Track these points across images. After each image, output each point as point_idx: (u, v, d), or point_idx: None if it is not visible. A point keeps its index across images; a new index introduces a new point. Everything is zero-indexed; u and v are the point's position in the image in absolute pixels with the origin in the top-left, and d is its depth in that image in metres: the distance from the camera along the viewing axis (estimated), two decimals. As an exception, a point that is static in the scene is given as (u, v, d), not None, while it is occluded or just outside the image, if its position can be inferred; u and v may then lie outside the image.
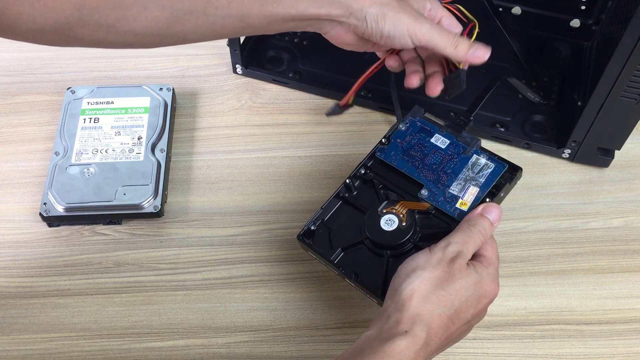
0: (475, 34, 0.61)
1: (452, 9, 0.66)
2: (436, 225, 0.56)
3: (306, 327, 0.61)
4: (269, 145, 0.73)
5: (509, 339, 0.60)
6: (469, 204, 0.55)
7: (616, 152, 0.69)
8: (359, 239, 0.57)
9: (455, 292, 0.48)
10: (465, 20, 0.64)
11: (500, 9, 0.79)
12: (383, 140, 0.60)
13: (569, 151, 0.70)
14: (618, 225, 0.67)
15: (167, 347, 0.60)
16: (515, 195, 0.68)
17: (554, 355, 0.59)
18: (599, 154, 0.69)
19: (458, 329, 0.49)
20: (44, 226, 0.66)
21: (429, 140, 0.59)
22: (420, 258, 0.50)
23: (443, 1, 0.66)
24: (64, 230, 0.66)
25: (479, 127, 0.70)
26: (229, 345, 0.60)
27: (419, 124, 0.61)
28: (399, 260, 0.52)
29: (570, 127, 0.68)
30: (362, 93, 0.75)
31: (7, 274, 0.64)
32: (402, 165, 0.58)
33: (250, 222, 0.67)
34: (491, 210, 0.53)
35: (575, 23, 0.78)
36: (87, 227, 0.66)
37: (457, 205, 0.55)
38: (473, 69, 0.62)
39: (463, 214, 0.54)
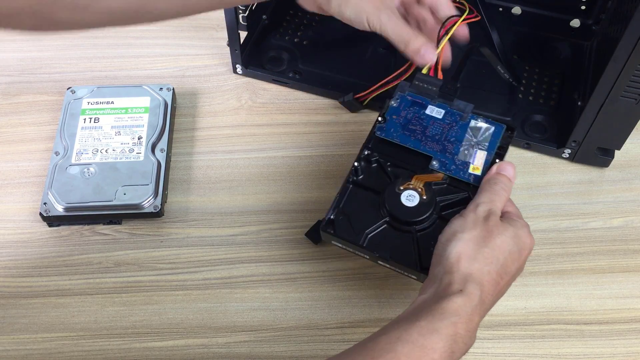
0: (458, 22, 0.63)
1: (457, 4, 0.67)
2: (453, 193, 0.57)
3: (306, 327, 0.61)
4: (269, 145, 0.73)
5: (509, 339, 0.60)
6: (481, 168, 0.57)
7: (616, 152, 0.69)
8: (380, 219, 0.56)
9: (498, 248, 0.50)
10: (463, 8, 0.65)
11: (500, 9, 0.79)
12: (379, 119, 0.60)
13: (569, 151, 0.70)
14: (618, 225, 0.67)
15: (167, 347, 0.60)
16: (515, 195, 0.68)
17: (554, 355, 0.59)
18: (599, 154, 0.69)
19: (505, 284, 0.51)
20: (44, 226, 0.66)
21: (424, 112, 0.60)
22: (456, 223, 0.52)
23: None
24: (64, 230, 0.66)
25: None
26: (229, 345, 0.60)
27: (409, 98, 0.61)
28: (427, 233, 0.55)
29: (570, 127, 0.68)
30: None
31: (7, 274, 0.64)
32: (406, 140, 0.59)
33: (250, 222, 0.67)
34: (506, 167, 0.56)
35: (575, 23, 0.78)
36: (87, 227, 0.66)
37: (470, 170, 0.57)
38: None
39: (478, 178, 0.56)
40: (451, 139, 0.58)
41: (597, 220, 0.67)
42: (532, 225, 0.65)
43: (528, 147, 0.71)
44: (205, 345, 0.60)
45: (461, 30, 0.62)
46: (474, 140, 0.58)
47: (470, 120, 0.59)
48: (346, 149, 0.72)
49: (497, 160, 0.57)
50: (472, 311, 0.47)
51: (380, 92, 0.71)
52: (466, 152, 0.58)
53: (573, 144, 0.69)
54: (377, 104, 0.74)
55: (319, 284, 0.63)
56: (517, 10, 0.79)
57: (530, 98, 0.74)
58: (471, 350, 0.59)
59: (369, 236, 0.56)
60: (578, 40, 0.78)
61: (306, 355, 0.59)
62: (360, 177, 0.58)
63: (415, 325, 0.46)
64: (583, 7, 0.77)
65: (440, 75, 0.62)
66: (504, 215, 0.53)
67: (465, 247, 0.49)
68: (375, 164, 0.59)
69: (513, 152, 0.72)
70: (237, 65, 0.77)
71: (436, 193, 0.57)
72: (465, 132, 0.59)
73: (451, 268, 0.49)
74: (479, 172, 0.57)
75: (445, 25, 0.63)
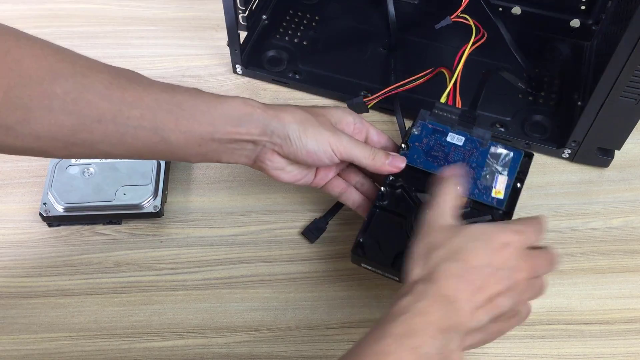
0: (469, 47, 0.67)
1: (461, 20, 0.71)
2: (477, 215, 0.59)
3: (306, 327, 0.61)
4: (269, 145, 0.73)
5: (509, 339, 0.60)
6: (503, 192, 0.59)
7: (616, 152, 0.69)
8: (407, 242, 0.57)
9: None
10: (467, 24, 0.69)
11: (500, 9, 0.79)
12: (402, 145, 0.62)
13: (569, 151, 0.70)
14: (618, 225, 0.67)
15: (167, 347, 0.60)
16: (515, 195, 0.69)
17: (554, 355, 0.59)
18: (599, 154, 0.69)
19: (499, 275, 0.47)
20: (44, 226, 0.66)
21: (445, 139, 0.63)
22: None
23: (451, 17, 0.71)
24: (64, 230, 0.66)
25: (478, 127, 0.70)
26: (229, 345, 0.60)
27: (430, 126, 0.64)
28: None
29: (570, 127, 0.68)
30: (362, 93, 0.75)
31: (7, 274, 0.64)
32: (429, 166, 0.61)
33: (250, 222, 0.67)
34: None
35: (575, 23, 0.78)
36: (87, 227, 0.66)
37: (493, 194, 0.59)
38: (470, 66, 0.65)
39: (501, 201, 0.59)
40: (473, 165, 0.61)
41: (597, 220, 0.67)
42: (532, 225, 0.65)
43: (528, 147, 0.71)
44: (205, 345, 0.60)
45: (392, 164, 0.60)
46: (495, 165, 0.61)
47: (489, 147, 0.62)
48: (346, 149, 0.72)
49: (519, 185, 0.60)
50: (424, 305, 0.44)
51: (388, 95, 0.72)
52: (488, 176, 0.60)
53: (573, 144, 0.69)
54: (379, 104, 0.74)
55: (319, 284, 0.63)
56: (517, 10, 0.79)
57: (530, 98, 0.74)
58: (471, 350, 0.59)
59: (398, 258, 0.57)
60: (578, 40, 0.78)
61: (306, 355, 0.59)
62: (385, 202, 0.60)
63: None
64: (583, 7, 0.77)
65: (459, 103, 0.65)
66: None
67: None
68: (399, 189, 0.61)
69: (513, 152, 0.72)
70: (237, 65, 0.77)
71: (461, 216, 0.58)
72: (486, 158, 0.61)
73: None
74: (501, 196, 0.59)
75: (459, 53, 0.67)
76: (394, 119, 0.74)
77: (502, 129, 0.72)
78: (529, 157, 0.62)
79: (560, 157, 0.71)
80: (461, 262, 0.47)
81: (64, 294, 0.63)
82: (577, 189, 0.70)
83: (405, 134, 0.64)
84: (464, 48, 0.68)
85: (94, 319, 0.61)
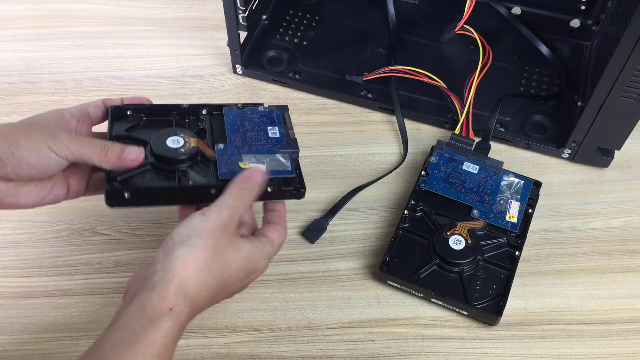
0: (477, 75, 0.71)
1: (465, 32, 0.74)
2: (493, 238, 0.63)
3: (306, 327, 0.61)
4: (269, 145, 0.73)
5: (509, 339, 0.60)
6: (516, 216, 0.63)
7: (616, 152, 0.69)
8: (430, 261, 0.62)
9: (227, 265, 0.49)
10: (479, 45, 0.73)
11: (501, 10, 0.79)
12: (422, 172, 0.66)
13: (569, 151, 0.70)
14: (618, 225, 0.67)
15: (167, 347, 0.60)
16: (515, 195, 0.69)
17: (554, 355, 0.59)
18: (599, 154, 0.69)
19: (218, 301, 0.51)
20: (43, 226, 0.66)
21: (461, 168, 0.67)
22: (195, 223, 0.49)
23: (455, 29, 0.75)
24: (64, 230, 0.66)
25: (478, 127, 0.70)
26: (229, 345, 0.60)
27: (447, 155, 0.68)
28: (470, 273, 0.61)
29: (570, 127, 0.68)
30: (362, 93, 0.75)
31: (7, 274, 0.64)
32: (448, 192, 0.65)
33: (250, 222, 0.67)
34: (257, 174, 0.53)
35: (575, 23, 0.78)
36: (87, 227, 0.66)
37: (507, 219, 0.63)
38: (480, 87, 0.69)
39: (515, 225, 0.63)
40: (487, 191, 0.65)
41: (597, 220, 0.67)
42: (532, 225, 0.65)
43: (528, 147, 0.71)
44: (205, 346, 0.60)
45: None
46: (508, 192, 0.65)
47: (502, 176, 0.66)
48: (346, 149, 0.72)
49: (530, 210, 0.64)
50: (177, 332, 0.46)
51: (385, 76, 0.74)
52: (502, 202, 0.64)
53: (573, 144, 0.69)
54: (378, 104, 0.74)
55: (318, 284, 0.63)
56: (517, 10, 0.79)
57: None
58: (471, 350, 0.59)
59: (422, 276, 0.61)
60: (578, 40, 0.78)
61: (306, 355, 0.59)
62: (407, 224, 0.64)
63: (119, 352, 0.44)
64: (583, 7, 0.77)
65: (472, 134, 0.69)
66: (257, 236, 0.53)
67: (194, 257, 0.47)
68: (419, 213, 0.65)
69: (513, 152, 0.72)
70: (237, 66, 0.77)
71: (477, 238, 0.62)
72: (499, 185, 0.66)
73: (172, 276, 0.46)
74: (514, 220, 0.63)
75: (468, 83, 0.70)
76: (394, 118, 0.74)
77: (502, 129, 0.72)
78: (537, 185, 0.66)
79: (560, 157, 0.71)
80: (221, 287, 0.49)
81: (64, 294, 0.63)
82: (577, 189, 0.70)
83: (424, 162, 0.67)
84: (472, 77, 0.70)
85: (94, 319, 0.61)
